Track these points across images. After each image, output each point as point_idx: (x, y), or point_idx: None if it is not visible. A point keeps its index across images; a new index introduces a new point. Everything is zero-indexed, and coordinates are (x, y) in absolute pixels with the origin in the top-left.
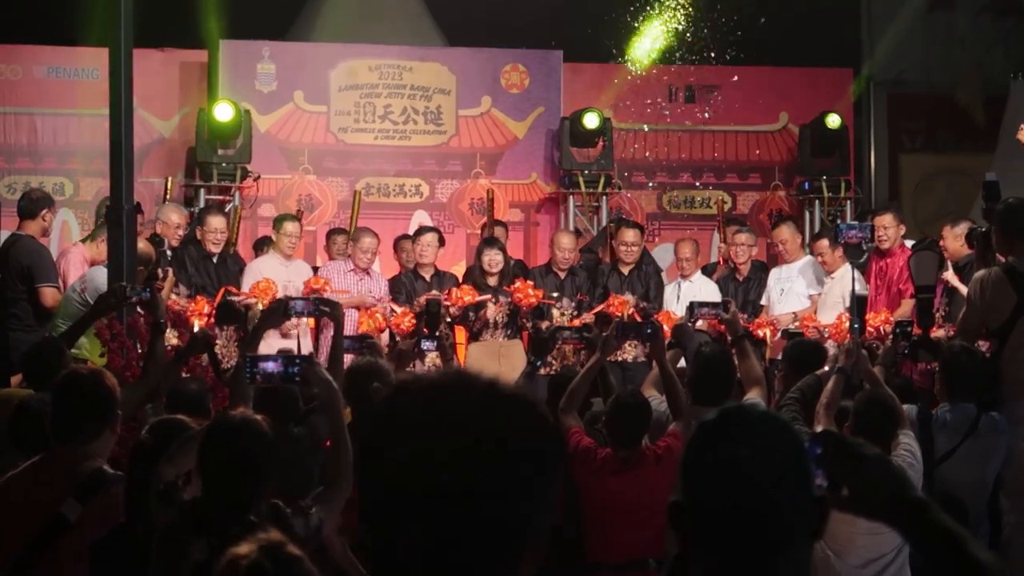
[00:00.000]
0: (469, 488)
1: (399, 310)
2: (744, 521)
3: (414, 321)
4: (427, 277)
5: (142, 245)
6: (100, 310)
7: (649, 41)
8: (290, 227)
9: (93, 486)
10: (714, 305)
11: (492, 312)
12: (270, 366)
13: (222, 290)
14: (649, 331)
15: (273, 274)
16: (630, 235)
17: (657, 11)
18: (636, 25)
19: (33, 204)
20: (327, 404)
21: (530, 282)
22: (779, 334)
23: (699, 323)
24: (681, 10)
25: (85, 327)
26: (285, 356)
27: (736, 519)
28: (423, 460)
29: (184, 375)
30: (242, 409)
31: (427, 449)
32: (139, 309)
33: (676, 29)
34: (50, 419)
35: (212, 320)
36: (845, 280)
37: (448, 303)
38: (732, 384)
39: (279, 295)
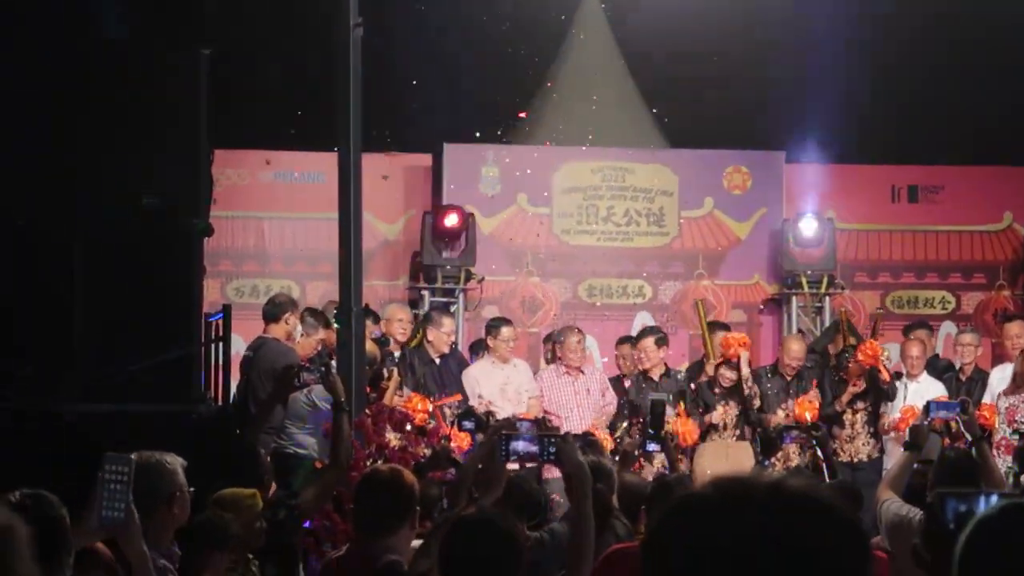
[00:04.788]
0: None
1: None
2: None
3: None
4: (656, 378)
5: (368, 346)
6: (278, 394)
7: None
8: (506, 332)
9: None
10: (951, 405)
11: (718, 416)
12: (522, 444)
13: (456, 396)
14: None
15: (488, 378)
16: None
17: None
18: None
19: (277, 308)
20: (576, 489)
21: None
22: (1003, 431)
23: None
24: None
25: (270, 410)
26: (540, 435)
27: None
28: None
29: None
30: (486, 505)
31: (726, 570)
32: (365, 410)
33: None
34: (354, 514)
35: (439, 425)
36: None
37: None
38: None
39: (496, 400)
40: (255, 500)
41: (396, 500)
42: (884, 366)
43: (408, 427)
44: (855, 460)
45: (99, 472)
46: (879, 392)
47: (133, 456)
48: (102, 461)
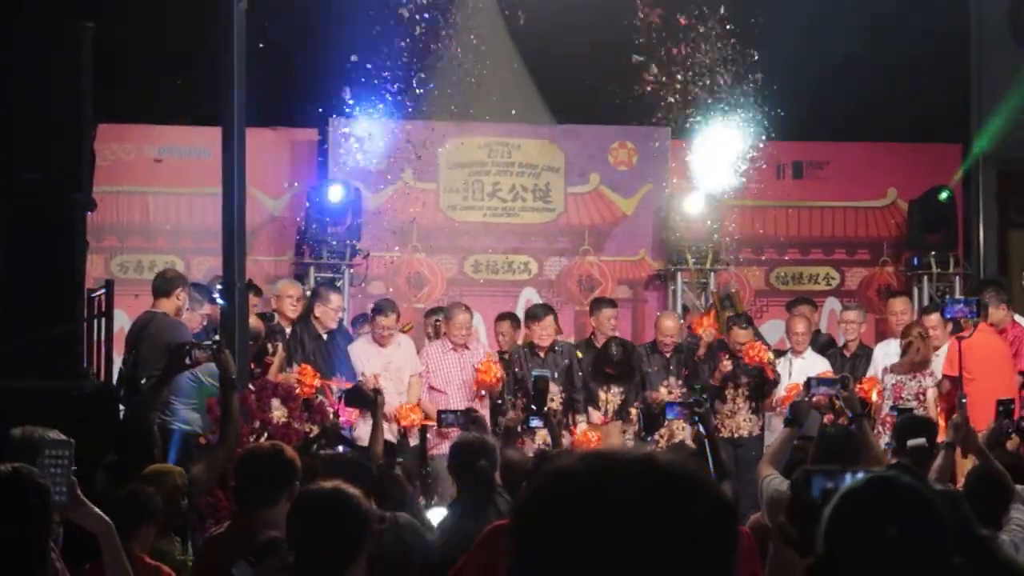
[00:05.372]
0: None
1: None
2: None
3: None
4: (542, 353)
5: (252, 321)
6: (170, 373)
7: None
8: (382, 320)
9: (266, 551)
10: (832, 382)
11: (597, 417)
12: None
13: (348, 384)
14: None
15: (370, 358)
16: (741, 335)
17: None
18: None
19: (168, 283)
20: None
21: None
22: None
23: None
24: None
25: (161, 390)
26: None
27: None
28: (597, 555)
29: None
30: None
31: (602, 545)
32: (250, 385)
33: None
34: (234, 490)
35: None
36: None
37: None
38: (856, 465)
39: (380, 379)
40: (179, 477)
41: (276, 475)
42: (770, 367)
43: (293, 403)
44: (736, 436)
45: (39, 458)
46: (765, 384)
47: (16, 431)
48: (41, 446)
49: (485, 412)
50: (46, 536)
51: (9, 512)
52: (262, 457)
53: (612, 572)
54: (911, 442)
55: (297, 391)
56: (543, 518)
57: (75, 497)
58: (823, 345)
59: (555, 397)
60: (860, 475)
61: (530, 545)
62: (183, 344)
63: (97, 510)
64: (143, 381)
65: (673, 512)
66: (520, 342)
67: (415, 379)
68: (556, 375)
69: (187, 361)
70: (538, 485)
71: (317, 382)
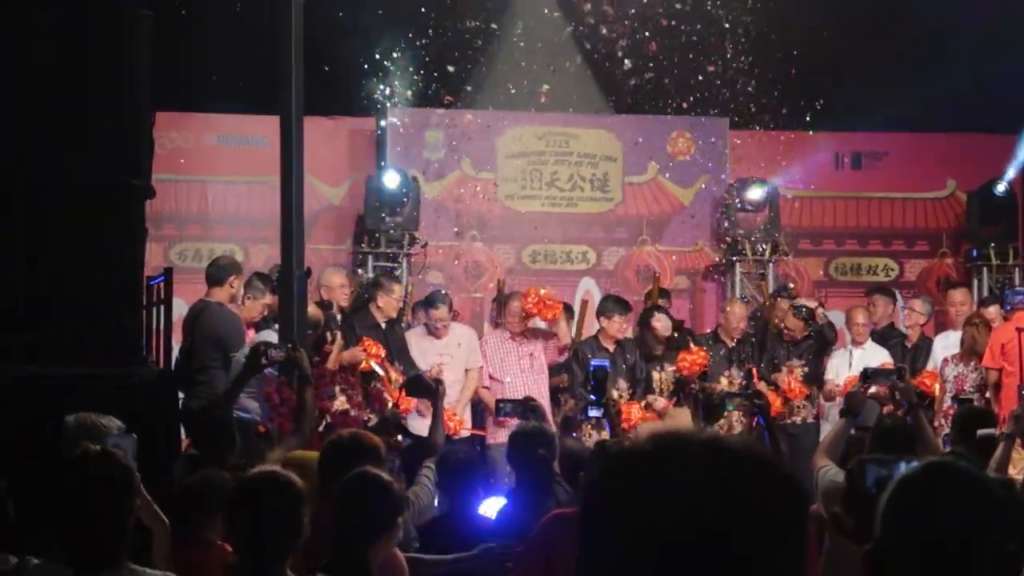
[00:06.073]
0: (719, 560)
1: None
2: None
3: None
4: (610, 348)
5: (311, 309)
6: (247, 374)
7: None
8: (435, 313)
9: None
10: (888, 373)
11: (662, 404)
12: None
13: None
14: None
15: (427, 348)
16: (792, 322)
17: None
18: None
19: (221, 271)
20: None
21: (696, 347)
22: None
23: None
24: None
25: (240, 389)
26: None
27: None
28: (664, 536)
29: None
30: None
31: (669, 526)
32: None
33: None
34: (320, 480)
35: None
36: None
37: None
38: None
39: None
40: None
41: (361, 461)
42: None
43: (352, 391)
44: (790, 421)
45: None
46: (821, 338)
47: (70, 418)
48: (103, 436)
49: (544, 400)
50: (129, 516)
51: (97, 490)
52: (344, 446)
53: (678, 554)
54: (981, 432)
55: (363, 364)
56: (609, 496)
57: (136, 490)
58: (890, 338)
59: (623, 394)
60: (915, 463)
61: (594, 525)
62: (259, 344)
63: (156, 508)
64: (196, 371)
65: (736, 490)
66: (573, 333)
67: (473, 373)
68: (623, 369)
69: (263, 361)
70: (607, 463)
71: (381, 351)
